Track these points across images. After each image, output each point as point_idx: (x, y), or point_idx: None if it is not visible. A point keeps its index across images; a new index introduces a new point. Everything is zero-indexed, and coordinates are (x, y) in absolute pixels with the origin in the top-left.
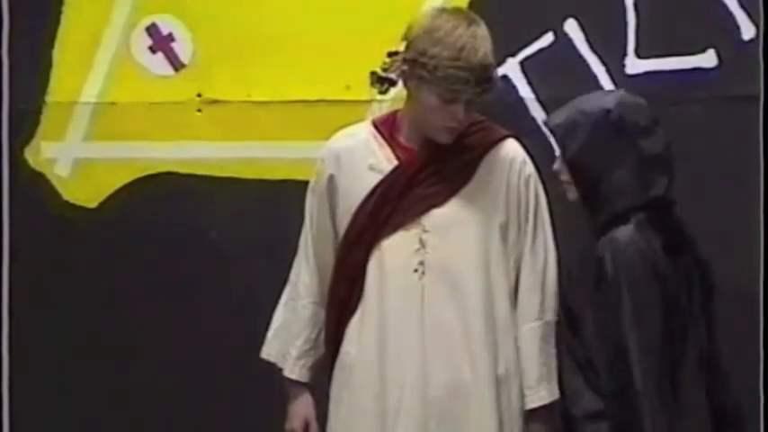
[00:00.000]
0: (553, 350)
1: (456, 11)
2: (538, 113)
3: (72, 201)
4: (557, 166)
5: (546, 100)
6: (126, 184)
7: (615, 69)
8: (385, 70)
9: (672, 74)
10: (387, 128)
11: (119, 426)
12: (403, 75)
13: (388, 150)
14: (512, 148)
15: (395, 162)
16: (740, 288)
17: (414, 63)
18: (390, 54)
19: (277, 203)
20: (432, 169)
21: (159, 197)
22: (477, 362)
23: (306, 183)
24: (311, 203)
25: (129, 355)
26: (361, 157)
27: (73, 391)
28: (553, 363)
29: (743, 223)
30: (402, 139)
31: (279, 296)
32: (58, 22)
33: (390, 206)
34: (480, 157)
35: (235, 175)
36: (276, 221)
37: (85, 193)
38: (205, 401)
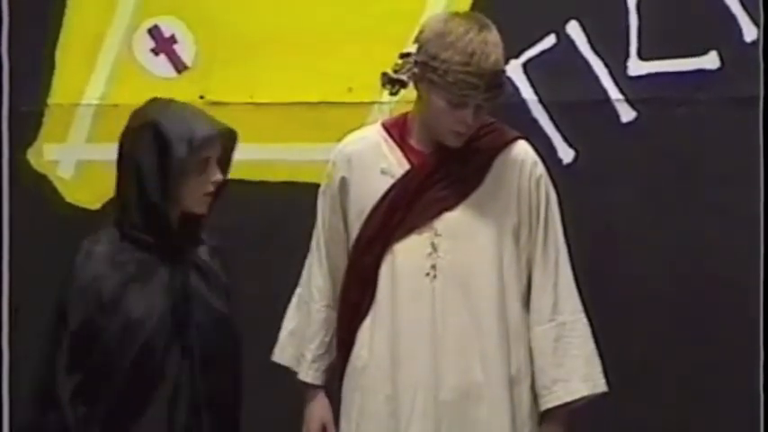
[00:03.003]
0: (576, 351)
1: (468, 15)
2: (540, 115)
3: (74, 202)
4: None
5: (548, 102)
6: None
7: (617, 71)
8: (396, 72)
9: (674, 75)
10: (397, 131)
11: None
12: (414, 77)
13: (400, 154)
14: (522, 150)
15: (406, 166)
16: (740, 288)
17: (424, 66)
18: (402, 55)
19: (279, 205)
20: (443, 172)
21: None
22: (489, 364)
23: (308, 184)
24: (323, 206)
25: None
26: (372, 161)
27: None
28: (572, 363)
29: (743, 223)
30: (413, 143)
31: (281, 298)
32: (60, 23)
33: (402, 210)
34: (491, 159)
35: (237, 176)
36: (278, 223)
37: (88, 194)
38: None
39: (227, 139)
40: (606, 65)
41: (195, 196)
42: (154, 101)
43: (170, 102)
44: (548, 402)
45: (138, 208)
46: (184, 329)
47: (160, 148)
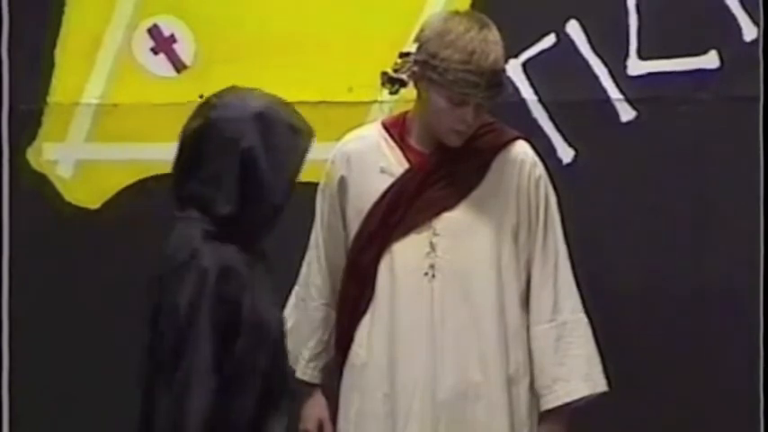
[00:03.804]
0: (577, 350)
1: (469, 14)
2: (540, 115)
3: (74, 202)
4: None
5: (548, 101)
6: (128, 185)
7: (617, 71)
8: (396, 71)
9: (674, 75)
10: (397, 130)
11: (118, 426)
12: (413, 76)
13: (399, 153)
14: (522, 150)
15: (406, 165)
16: (740, 288)
17: (424, 65)
18: (402, 55)
19: None
20: (443, 172)
21: (161, 198)
22: (488, 364)
23: (307, 184)
24: (321, 205)
25: (131, 357)
26: (371, 160)
27: (73, 391)
28: (573, 362)
29: (743, 223)
30: (413, 142)
31: (281, 296)
32: (59, 22)
33: (401, 209)
34: (491, 159)
35: None
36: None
37: (87, 194)
38: None
39: None
40: (606, 64)
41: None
42: (237, 90)
43: (263, 92)
44: (548, 402)
45: (238, 203)
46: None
47: (287, 140)
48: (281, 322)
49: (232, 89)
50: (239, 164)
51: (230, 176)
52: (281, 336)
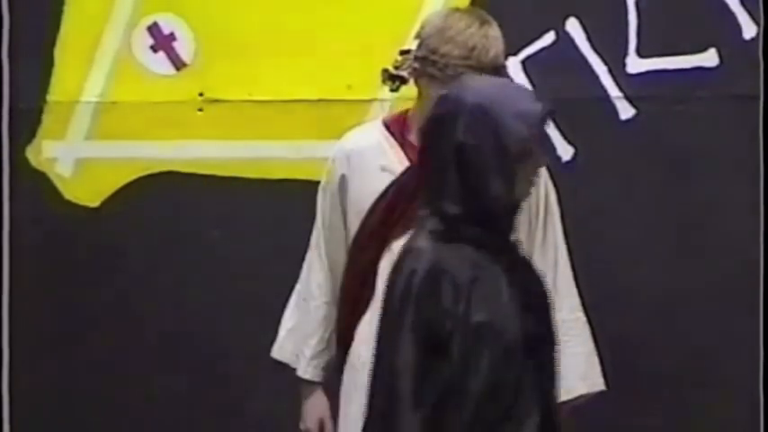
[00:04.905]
0: (574, 349)
1: (469, 11)
2: None
3: (73, 200)
4: None
5: (547, 99)
6: (127, 183)
7: (616, 68)
8: (396, 68)
9: (673, 73)
10: (397, 128)
11: (119, 425)
12: (414, 73)
13: (400, 151)
14: None
15: (406, 163)
16: (741, 286)
17: (424, 61)
18: (402, 52)
19: (278, 203)
20: None
21: (160, 196)
22: None
23: (307, 182)
24: (322, 203)
25: (130, 355)
26: (372, 158)
27: (73, 390)
28: (571, 361)
29: (743, 220)
30: (413, 140)
31: (280, 295)
32: (59, 21)
33: (402, 207)
34: None
35: (236, 174)
36: (277, 221)
37: (87, 192)
38: (207, 400)
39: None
40: (605, 62)
41: (525, 182)
42: (466, 80)
43: (491, 79)
44: None
45: (462, 200)
46: (536, 341)
47: (495, 129)
48: (514, 326)
49: (464, 78)
50: (456, 159)
51: (451, 173)
52: (516, 342)
